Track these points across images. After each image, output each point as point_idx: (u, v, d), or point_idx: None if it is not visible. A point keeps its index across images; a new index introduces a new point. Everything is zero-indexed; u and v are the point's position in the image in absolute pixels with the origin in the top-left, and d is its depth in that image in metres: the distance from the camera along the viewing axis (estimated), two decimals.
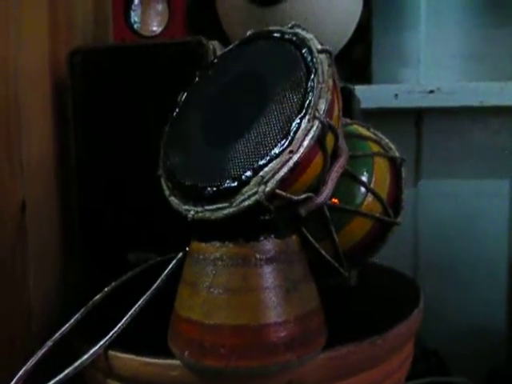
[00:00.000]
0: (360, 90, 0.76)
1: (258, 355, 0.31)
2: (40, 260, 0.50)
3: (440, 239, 0.89)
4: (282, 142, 0.31)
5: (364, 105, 0.76)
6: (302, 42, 0.34)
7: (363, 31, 0.86)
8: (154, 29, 0.55)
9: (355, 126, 0.43)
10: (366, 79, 0.88)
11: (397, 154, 0.42)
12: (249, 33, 0.38)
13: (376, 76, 0.89)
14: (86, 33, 0.59)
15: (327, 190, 0.35)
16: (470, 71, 0.90)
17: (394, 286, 0.50)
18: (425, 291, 0.94)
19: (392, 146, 0.43)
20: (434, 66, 0.91)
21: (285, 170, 0.30)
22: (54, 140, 0.52)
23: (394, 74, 0.92)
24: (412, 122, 0.90)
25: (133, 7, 0.54)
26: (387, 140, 0.43)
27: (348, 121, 0.43)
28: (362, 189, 0.38)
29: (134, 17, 0.54)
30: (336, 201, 0.37)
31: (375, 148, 0.41)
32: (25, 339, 0.47)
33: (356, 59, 0.89)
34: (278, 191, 0.31)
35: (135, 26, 0.54)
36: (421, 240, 0.90)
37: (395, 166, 0.41)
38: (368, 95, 0.80)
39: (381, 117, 0.85)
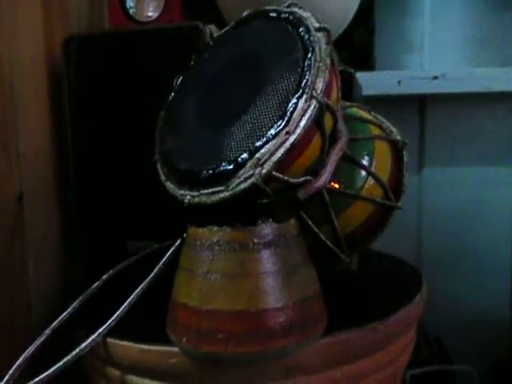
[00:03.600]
0: (363, 76, 0.74)
1: (256, 341, 0.30)
2: (39, 250, 0.49)
3: (444, 227, 0.89)
4: (279, 123, 0.30)
5: (367, 92, 0.75)
6: (298, 21, 0.33)
7: (365, 16, 0.85)
8: (150, 14, 0.54)
9: (355, 109, 0.42)
10: (369, 65, 0.87)
11: (398, 138, 0.41)
12: (245, 13, 0.37)
13: (379, 62, 0.88)
14: (80, 19, 0.59)
15: (326, 174, 0.35)
16: (475, 57, 0.89)
17: (395, 273, 0.49)
18: (428, 280, 0.94)
19: (393, 130, 0.42)
20: (438, 51, 0.90)
21: (281, 151, 0.29)
22: (50, 130, 0.52)
23: (397, 60, 0.91)
24: (416, 108, 0.89)
25: None
26: (388, 123, 0.42)
27: (348, 103, 0.42)
28: (363, 172, 0.38)
29: (130, 2, 0.53)
30: (336, 184, 0.36)
31: (376, 131, 0.40)
32: (24, 329, 0.47)
33: (358, 45, 0.87)
34: (274, 173, 0.30)
35: (131, 12, 0.53)
36: (425, 228, 0.89)
37: (396, 149, 0.41)
38: (371, 82, 0.79)
39: (384, 104, 0.84)
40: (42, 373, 0.34)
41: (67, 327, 0.40)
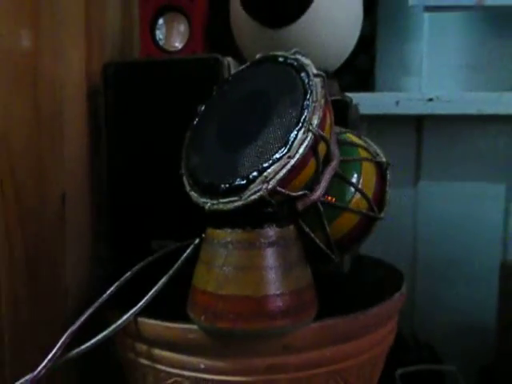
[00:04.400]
0: (363, 97, 0.82)
1: (260, 320, 0.38)
2: (76, 245, 0.57)
3: (437, 238, 0.92)
4: (282, 149, 0.38)
5: (367, 111, 0.81)
6: (301, 67, 0.41)
7: (368, 42, 0.92)
8: (177, 45, 0.62)
9: (348, 135, 0.50)
10: (370, 87, 0.94)
11: (383, 160, 0.49)
12: (258, 56, 0.46)
13: (379, 84, 0.94)
14: (114, 47, 0.67)
15: (320, 189, 0.42)
16: (470, 81, 0.94)
17: (381, 273, 0.57)
18: (422, 288, 0.99)
19: (379, 152, 0.49)
20: (435, 75, 0.96)
21: (284, 171, 0.38)
22: (89, 141, 0.59)
23: (397, 83, 0.96)
24: (413, 127, 0.94)
25: (158, 26, 0.62)
26: (376, 147, 0.50)
27: (342, 130, 0.50)
28: (351, 188, 0.45)
29: (159, 34, 0.62)
30: (328, 198, 0.44)
31: (364, 154, 0.48)
32: (62, 313, 0.54)
33: (360, 68, 0.94)
34: (278, 188, 0.38)
35: (160, 43, 0.62)
36: (419, 238, 0.93)
37: (381, 169, 0.48)
38: (371, 102, 0.85)
39: (383, 122, 0.91)
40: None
41: (102, 310, 0.48)
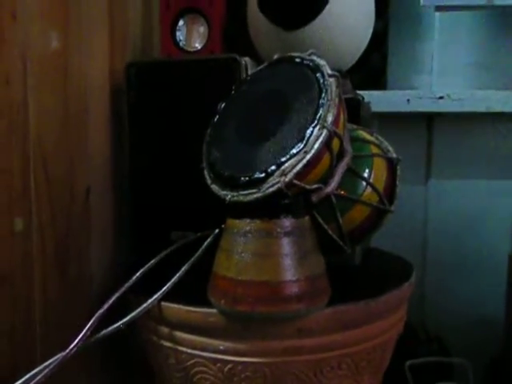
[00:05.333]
0: (375, 95, 0.84)
1: (276, 304, 0.41)
2: (99, 236, 0.60)
3: (447, 233, 0.94)
4: (299, 145, 0.41)
5: (379, 109, 0.84)
6: (316, 68, 0.43)
7: (380, 41, 0.94)
8: (196, 45, 0.65)
9: (360, 132, 0.52)
10: (382, 85, 0.96)
11: (394, 156, 0.51)
12: (275, 56, 0.48)
13: (391, 82, 0.96)
14: (135, 47, 0.70)
15: (334, 182, 0.45)
16: (480, 79, 0.95)
17: (392, 266, 0.59)
18: (431, 282, 1.01)
19: (390, 149, 0.52)
20: (445, 73, 0.97)
21: (300, 165, 0.40)
22: (112, 139, 0.62)
23: (408, 81, 0.98)
24: (423, 125, 0.95)
25: (178, 28, 0.65)
26: (387, 143, 0.53)
27: (355, 127, 0.53)
28: (363, 182, 0.48)
29: (180, 36, 0.65)
30: (341, 191, 0.47)
31: (375, 150, 0.50)
32: (87, 298, 0.57)
33: (373, 66, 0.96)
34: (295, 181, 0.41)
35: (180, 44, 0.65)
36: (430, 234, 0.95)
37: (392, 165, 0.51)
38: (383, 100, 0.88)
39: (395, 120, 0.93)
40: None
41: (125, 297, 0.50)
